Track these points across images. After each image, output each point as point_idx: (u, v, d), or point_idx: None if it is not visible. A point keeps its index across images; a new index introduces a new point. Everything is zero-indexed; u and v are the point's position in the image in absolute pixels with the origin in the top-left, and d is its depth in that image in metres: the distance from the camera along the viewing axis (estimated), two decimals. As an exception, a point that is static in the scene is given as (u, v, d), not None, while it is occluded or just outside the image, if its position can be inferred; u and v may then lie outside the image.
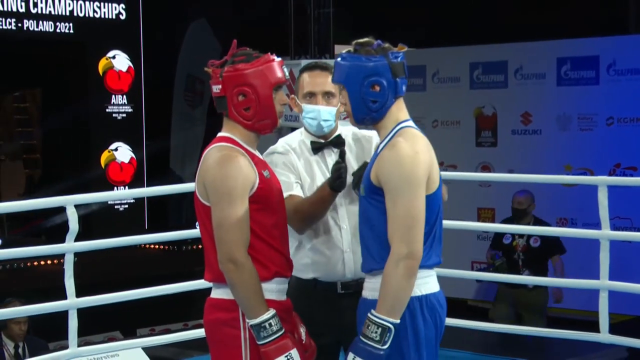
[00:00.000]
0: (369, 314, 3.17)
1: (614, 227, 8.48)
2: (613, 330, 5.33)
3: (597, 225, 5.35)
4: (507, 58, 9.82)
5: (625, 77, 9.26)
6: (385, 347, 3.13)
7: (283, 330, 3.21)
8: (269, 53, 3.34)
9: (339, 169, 3.51)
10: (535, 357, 6.18)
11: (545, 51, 9.68)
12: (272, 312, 3.21)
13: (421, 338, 3.22)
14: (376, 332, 3.13)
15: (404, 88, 3.30)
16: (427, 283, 3.26)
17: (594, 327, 5.33)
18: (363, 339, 3.16)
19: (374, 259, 3.26)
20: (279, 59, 3.36)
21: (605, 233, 5.29)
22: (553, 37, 9.76)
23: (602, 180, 5.40)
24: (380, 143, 3.30)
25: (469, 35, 10.01)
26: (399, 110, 3.31)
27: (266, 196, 3.28)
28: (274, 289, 3.30)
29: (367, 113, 3.28)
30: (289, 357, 3.20)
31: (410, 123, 3.31)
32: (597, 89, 9.38)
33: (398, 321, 3.15)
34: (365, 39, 3.32)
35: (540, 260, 7.97)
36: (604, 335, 5.29)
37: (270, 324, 3.19)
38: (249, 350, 3.24)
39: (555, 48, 9.64)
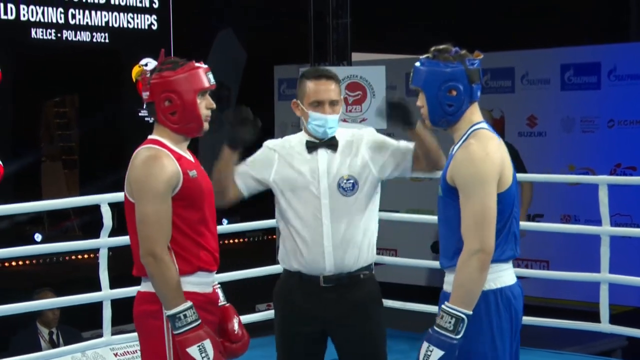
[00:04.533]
0: (442, 306, 3.16)
1: (615, 224, 8.46)
2: (613, 320, 5.30)
3: (598, 222, 5.33)
4: (514, 65, 9.78)
5: (625, 82, 9.21)
6: (459, 337, 3.11)
7: (199, 322, 3.19)
8: (194, 61, 3.35)
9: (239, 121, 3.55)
10: (538, 345, 6.15)
11: (549, 58, 9.64)
12: (188, 304, 3.19)
13: (495, 330, 3.19)
14: (450, 322, 3.11)
15: (478, 93, 3.29)
16: (502, 277, 3.23)
17: (595, 317, 5.31)
18: (437, 329, 3.13)
19: (449, 256, 3.26)
20: (205, 66, 3.36)
21: (606, 229, 5.27)
22: (557, 44, 9.72)
23: (603, 180, 5.38)
24: (455, 145, 3.29)
25: (478, 44, 9.98)
26: (473, 114, 3.30)
27: (191, 194, 3.27)
28: (196, 282, 3.29)
29: (442, 116, 3.28)
30: (201, 347, 3.18)
31: (484, 125, 3.29)
32: (598, 93, 9.33)
33: (471, 312, 3.12)
34: (443, 46, 3.30)
35: None
36: (605, 325, 5.28)
37: (185, 315, 3.17)
38: (172, 341, 3.22)
39: (559, 55, 9.59)
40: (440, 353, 3.10)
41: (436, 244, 8.45)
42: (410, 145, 3.73)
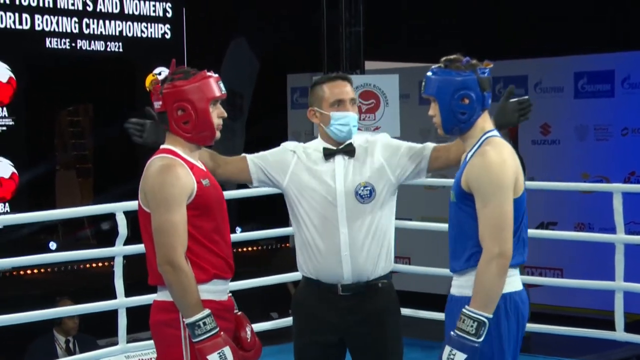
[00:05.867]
0: (463, 310, 3.18)
1: (630, 232, 8.44)
2: (628, 328, 5.29)
3: (613, 230, 5.32)
4: (527, 73, 9.79)
5: (639, 90, 9.20)
6: (480, 340, 3.15)
7: (217, 329, 3.21)
8: (205, 70, 3.37)
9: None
10: (552, 353, 6.14)
11: (563, 66, 9.64)
12: (206, 311, 3.21)
13: (503, 334, 3.23)
14: (472, 326, 3.15)
15: (489, 101, 3.35)
16: (511, 282, 3.27)
17: (610, 325, 5.29)
18: (459, 333, 3.17)
19: (462, 259, 3.29)
20: (216, 75, 3.38)
21: (620, 237, 5.26)
22: (571, 52, 9.71)
23: (617, 188, 5.38)
24: (468, 152, 3.33)
25: (491, 52, 9.98)
26: (485, 122, 3.35)
27: (205, 203, 3.29)
28: (212, 290, 3.30)
29: (456, 124, 3.33)
30: (221, 354, 3.19)
31: (495, 133, 3.35)
32: (612, 101, 9.33)
33: (491, 316, 3.17)
34: (454, 56, 3.35)
35: None
36: (620, 334, 5.26)
37: (204, 323, 3.19)
38: (189, 349, 3.24)
39: (572, 63, 9.60)
40: (463, 356, 3.15)
41: None
42: (427, 145, 3.73)
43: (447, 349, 3.18)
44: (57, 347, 6.94)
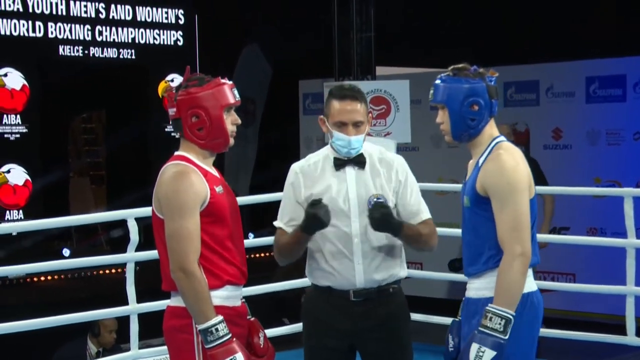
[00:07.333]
0: (488, 308, 3.25)
1: (641, 236, 8.42)
2: (639, 333, 5.29)
3: (625, 234, 5.32)
4: (539, 77, 9.76)
5: (651, 95, 9.18)
6: (507, 337, 3.21)
7: (230, 335, 3.24)
8: (219, 77, 3.38)
9: (314, 213, 3.53)
10: (564, 357, 6.14)
11: (574, 71, 9.62)
12: (219, 318, 3.23)
13: (520, 333, 3.28)
14: (500, 323, 3.22)
15: (496, 108, 3.45)
16: (527, 282, 3.34)
17: (621, 330, 5.29)
18: (487, 331, 3.23)
19: (479, 262, 3.36)
20: (230, 82, 3.40)
21: (631, 241, 5.27)
22: (582, 57, 9.70)
23: (628, 192, 5.39)
24: (480, 157, 3.42)
25: (503, 57, 9.97)
26: (492, 128, 3.46)
27: (218, 210, 3.31)
28: (225, 296, 3.33)
29: (465, 130, 3.41)
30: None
31: (503, 138, 3.45)
32: (624, 105, 9.30)
33: (515, 314, 3.23)
34: (462, 65, 3.45)
35: None
36: (631, 338, 5.27)
37: (217, 329, 3.22)
38: (202, 355, 3.27)
39: (584, 68, 9.58)
40: (493, 353, 3.21)
41: (454, 262, 8.47)
42: (423, 214, 3.74)
43: (475, 346, 3.22)
44: (87, 355, 6.94)
